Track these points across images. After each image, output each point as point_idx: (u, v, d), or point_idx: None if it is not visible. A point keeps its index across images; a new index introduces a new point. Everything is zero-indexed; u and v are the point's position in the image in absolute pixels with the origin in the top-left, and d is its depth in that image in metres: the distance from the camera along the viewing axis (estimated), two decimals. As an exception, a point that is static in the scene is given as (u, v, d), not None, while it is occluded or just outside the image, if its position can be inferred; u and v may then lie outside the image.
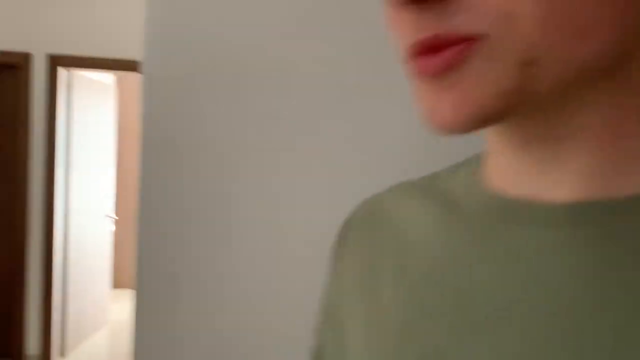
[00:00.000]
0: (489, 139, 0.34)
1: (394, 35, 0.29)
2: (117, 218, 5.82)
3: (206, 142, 1.08)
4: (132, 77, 5.96)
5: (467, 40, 0.26)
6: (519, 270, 0.30)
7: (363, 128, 1.09)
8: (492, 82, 0.27)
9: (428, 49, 0.26)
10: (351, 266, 0.41)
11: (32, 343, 3.73)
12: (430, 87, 0.28)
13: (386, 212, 0.40)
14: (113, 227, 4.51)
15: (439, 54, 0.26)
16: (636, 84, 0.28)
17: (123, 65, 3.84)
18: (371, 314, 0.36)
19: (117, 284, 6.07)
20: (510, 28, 0.26)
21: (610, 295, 0.26)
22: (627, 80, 0.28)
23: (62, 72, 3.82)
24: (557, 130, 0.29)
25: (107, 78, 4.66)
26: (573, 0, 0.25)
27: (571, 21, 0.26)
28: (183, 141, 1.07)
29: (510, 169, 0.32)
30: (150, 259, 1.08)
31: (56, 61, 3.76)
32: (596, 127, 0.29)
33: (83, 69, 3.83)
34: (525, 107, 0.28)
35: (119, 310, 5.41)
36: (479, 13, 0.26)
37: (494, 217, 0.32)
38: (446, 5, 0.26)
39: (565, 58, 0.26)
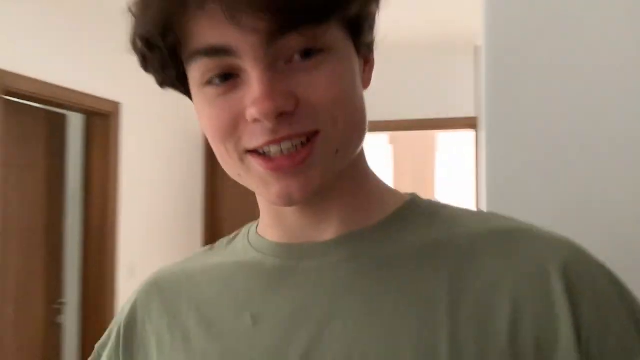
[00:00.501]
0: (274, 210, 0.51)
1: (230, 140, 0.45)
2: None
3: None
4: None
5: (310, 135, 0.44)
6: (315, 287, 0.48)
7: None
8: (324, 167, 0.45)
9: (285, 152, 0.43)
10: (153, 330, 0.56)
11: None
12: (282, 177, 0.44)
13: (174, 284, 0.57)
14: None
15: (297, 154, 0.43)
16: (361, 159, 0.50)
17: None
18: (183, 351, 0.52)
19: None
20: (334, 126, 0.44)
21: (369, 287, 0.46)
22: (360, 157, 0.50)
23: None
24: (325, 194, 0.48)
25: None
26: (358, 109, 0.46)
27: (358, 124, 0.46)
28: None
29: (293, 226, 0.51)
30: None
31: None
32: (346, 189, 0.49)
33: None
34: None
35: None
36: (317, 116, 0.43)
37: (285, 257, 0.51)
38: (293, 115, 0.42)
39: (354, 148, 0.48)
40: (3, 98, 2.55)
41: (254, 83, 0.42)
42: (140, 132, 3.65)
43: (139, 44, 0.46)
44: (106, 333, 0.62)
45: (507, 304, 0.44)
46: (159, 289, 0.59)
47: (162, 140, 3.92)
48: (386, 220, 0.50)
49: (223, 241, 0.60)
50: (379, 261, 0.48)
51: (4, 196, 2.76)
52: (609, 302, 0.44)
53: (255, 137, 0.44)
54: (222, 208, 4.59)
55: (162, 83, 0.52)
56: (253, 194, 0.52)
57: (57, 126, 3.26)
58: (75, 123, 3.41)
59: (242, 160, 0.46)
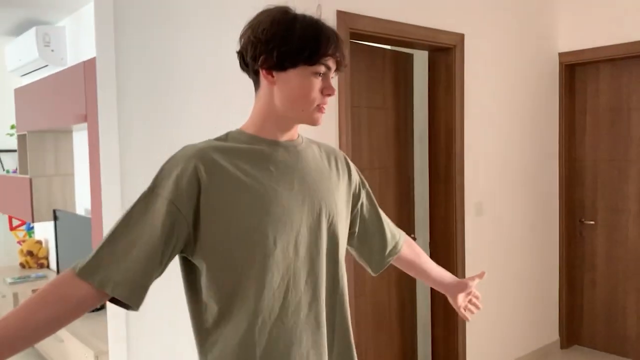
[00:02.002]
0: (270, 125, 1.20)
1: (311, 97, 1.16)
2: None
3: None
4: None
5: None
6: (288, 159, 1.20)
7: None
8: None
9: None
10: (227, 168, 1.13)
11: None
12: (321, 115, 1.20)
13: (222, 149, 1.16)
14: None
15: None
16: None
17: None
18: (254, 182, 1.15)
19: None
20: None
21: (305, 162, 1.23)
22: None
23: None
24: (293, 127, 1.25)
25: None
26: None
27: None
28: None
29: (277, 131, 1.21)
30: None
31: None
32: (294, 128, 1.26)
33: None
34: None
35: None
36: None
37: (270, 145, 1.19)
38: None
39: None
40: (350, 41, 2.66)
41: (331, 82, 1.19)
42: (485, 64, 3.40)
43: (299, 41, 1.12)
44: (171, 180, 1.10)
45: (341, 172, 1.33)
46: (204, 156, 1.12)
47: (509, 70, 3.58)
48: (300, 139, 1.28)
49: (223, 138, 1.20)
50: (303, 153, 1.25)
51: (357, 136, 2.93)
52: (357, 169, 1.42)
53: (323, 101, 1.19)
54: (583, 144, 4.01)
55: (284, 63, 1.14)
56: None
57: (402, 66, 3.29)
58: (420, 60, 3.39)
59: (316, 107, 1.18)
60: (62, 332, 3.33)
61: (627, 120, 3.77)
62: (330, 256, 1.23)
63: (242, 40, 1.17)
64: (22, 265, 4.77)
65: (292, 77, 1.14)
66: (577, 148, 4.03)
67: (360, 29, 2.68)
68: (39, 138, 4.29)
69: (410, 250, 1.51)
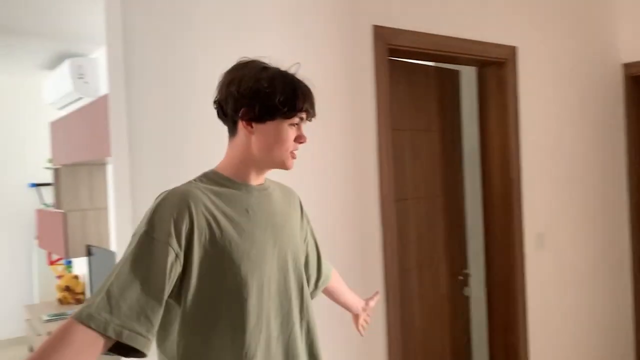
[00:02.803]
0: (245, 169, 1.31)
1: (286, 146, 1.29)
2: None
3: None
4: None
5: None
6: (261, 203, 1.30)
7: None
8: None
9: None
10: (214, 211, 1.22)
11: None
12: (293, 160, 1.32)
13: (206, 193, 1.24)
14: None
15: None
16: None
17: None
18: (233, 226, 1.24)
19: None
20: None
21: (275, 205, 1.35)
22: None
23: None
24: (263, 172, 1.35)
25: None
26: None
27: None
28: None
29: (251, 175, 1.31)
30: None
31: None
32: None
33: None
34: None
35: None
36: None
37: (245, 188, 1.29)
38: None
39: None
40: (388, 59, 2.40)
41: (302, 130, 1.32)
42: (541, 78, 3.07)
43: (279, 98, 1.24)
44: (160, 231, 1.15)
45: (297, 212, 1.46)
46: (196, 199, 1.20)
47: (568, 85, 3.24)
48: (267, 183, 1.37)
49: (202, 179, 1.29)
50: (272, 196, 1.35)
51: (400, 161, 2.66)
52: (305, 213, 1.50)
53: (295, 147, 1.31)
54: (656, 163, 3.59)
55: (264, 116, 1.26)
56: None
57: (448, 83, 3.01)
58: (467, 77, 3.09)
59: (289, 154, 1.30)
60: None
61: None
62: (298, 291, 1.35)
63: (222, 91, 1.28)
64: (60, 301, 4.67)
65: (270, 128, 1.26)
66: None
67: (399, 45, 2.42)
68: (74, 171, 4.21)
69: (334, 278, 1.68)
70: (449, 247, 2.94)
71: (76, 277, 4.73)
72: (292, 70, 1.29)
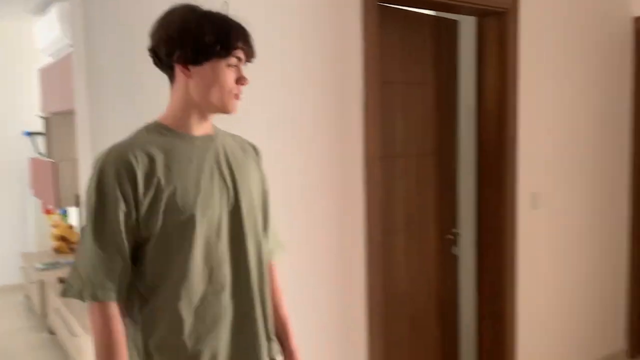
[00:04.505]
0: (187, 116, 1.30)
1: (226, 88, 1.27)
2: None
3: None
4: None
5: None
6: (205, 152, 1.30)
7: None
8: None
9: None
10: (156, 161, 1.23)
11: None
12: (237, 102, 1.30)
13: (146, 146, 1.24)
14: None
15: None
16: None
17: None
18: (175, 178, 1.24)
19: None
20: None
21: (221, 155, 1.34)
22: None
23: None
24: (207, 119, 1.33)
25: None
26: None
27: None
28: None
29: (193, 122, 1.30)
30: None
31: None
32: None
33: None
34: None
35: None
36: None
37: (189, 137, 1.29)
38: None
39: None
40: (378, 4, 2.26)
41: (243, 72, 1.29)
42: (543, 30, 2.92)
43: (209, 37, 1.22)
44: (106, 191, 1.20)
45: (254, 164, 1.43)
46: (136, 154, 1.22)
47: (572, 38, 3.08)
48: (217, 133, 1.37)
49: (143, 131, 1.29)
50: (219, 145, 1.34)
51: (390, 117, 2.55)
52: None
53: (238, 89, 1.29)
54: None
55: (198, 57, 1.24)
56: None
57: (445, 34, 2.86)
58: (465, 28, 2.94)
59: (232, 96, 1.28)
60: (77, 327, 3.15)
61: None
62: (253, 236, 1.35)
63: (154, 38, 1.27)
64: (56, 250, 4.68)
65: (206, 69, 1.24)
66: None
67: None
68: (64, 120, 4.11)
69: (273, 275, 1.51)
70: (439, 206, 2.86)
71: (71, 227, 4.72)
72: (222, 10, 1.27)
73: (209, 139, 1.32)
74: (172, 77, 1.29)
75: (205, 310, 1.27)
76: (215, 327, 1.28)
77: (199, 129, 1.31)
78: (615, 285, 3.52)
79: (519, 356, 2.96)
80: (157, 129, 1.29)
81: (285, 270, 1.58)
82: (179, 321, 1.24)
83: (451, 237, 2.92)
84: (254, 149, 1.46)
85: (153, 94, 1.81)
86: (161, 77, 1.31)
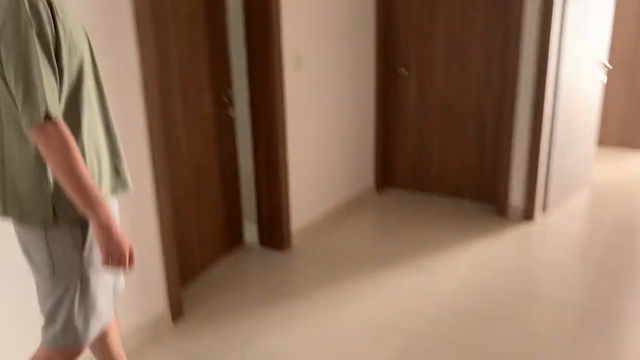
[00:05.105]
0: None
1: None
2: (610, 67, 5.18)
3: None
4: None
5: None
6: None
7: None
8: None
9: None
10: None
11: (515, 195, 3.75)
12: None
13: None
14: (604, 78, 3.96)
15: None
16: None
17: None
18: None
19: (602, 141, 5.46)
20: None
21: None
22: None
23: None
24: None
25: None
26: None
27: None
28: None
29: None
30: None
31: None
32: None
33: None
34: None
35: (602, 170, 4.76)
36: None
37: None
38: None
39: None
40: None
41: None
42: None
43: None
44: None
45: None
46: None
47: None
48: None
49: None
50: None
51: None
52: None
53: None
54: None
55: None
56: None
57: None
58: None
59: None
60: None
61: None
62: (100, 79, 1.54)
63: None
64: None
65: None
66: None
67: None
68: None
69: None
70: (213, 70, 2.97)
71: None
72: None
73: None
74: None
75: (96, 137, 1.50)
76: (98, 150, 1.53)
77: None
78: (365, 133, 4.15)
79: (291, 196, 3.41)
80: None
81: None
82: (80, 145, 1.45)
83: (226, 99, 3.08)
84: None
85: None
86: None
